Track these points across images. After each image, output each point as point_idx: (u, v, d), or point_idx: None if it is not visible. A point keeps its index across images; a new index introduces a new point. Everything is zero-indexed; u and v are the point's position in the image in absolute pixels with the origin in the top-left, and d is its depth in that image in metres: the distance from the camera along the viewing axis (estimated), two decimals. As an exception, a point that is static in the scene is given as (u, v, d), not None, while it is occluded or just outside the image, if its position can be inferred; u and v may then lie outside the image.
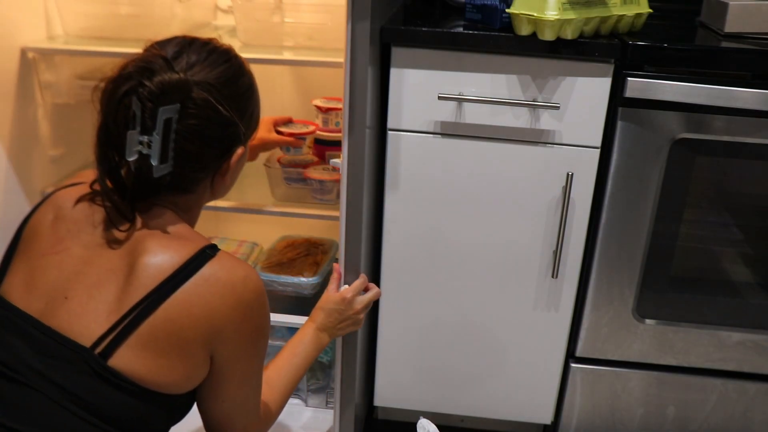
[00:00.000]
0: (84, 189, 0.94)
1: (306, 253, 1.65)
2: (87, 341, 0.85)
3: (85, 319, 0.86)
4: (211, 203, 1.51)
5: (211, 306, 0.88)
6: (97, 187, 0.92)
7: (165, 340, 0.86)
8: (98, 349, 0.85)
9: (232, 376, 0.96)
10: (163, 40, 0.93)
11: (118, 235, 0.90)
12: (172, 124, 0.86)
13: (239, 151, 0.97)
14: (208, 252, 0.91)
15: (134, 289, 0.86)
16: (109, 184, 0.90)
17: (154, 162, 0.86)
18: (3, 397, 0.85)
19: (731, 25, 1.34)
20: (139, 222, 0.91)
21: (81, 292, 0.88)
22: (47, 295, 0.88)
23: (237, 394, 0.98)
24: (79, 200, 0.94)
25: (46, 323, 0.87)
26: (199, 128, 0.89)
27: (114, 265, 0.88)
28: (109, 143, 0.88)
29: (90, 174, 0.96)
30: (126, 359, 0.85)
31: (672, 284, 1.42)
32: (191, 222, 1.00)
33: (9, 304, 0.90)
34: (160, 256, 0.88)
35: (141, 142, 0.85)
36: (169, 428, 0.96)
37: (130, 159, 0.85)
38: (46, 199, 0.97)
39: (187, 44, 0.92)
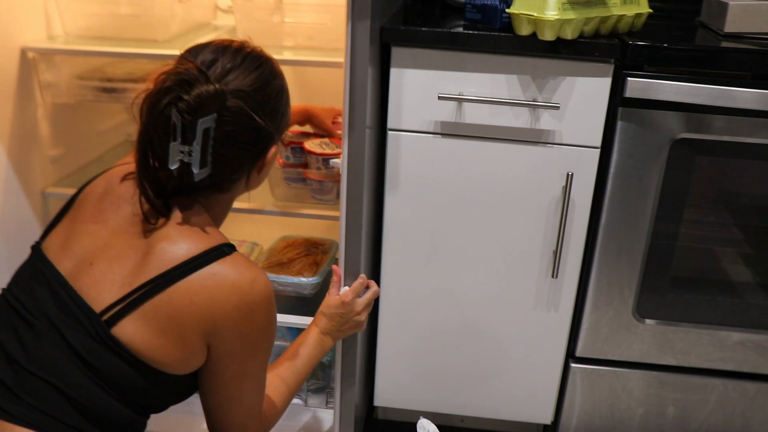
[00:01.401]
0: (133, 168, 0.99)
1: (306, 253, 1.65)
2: (98, 307, 0.91)
3: (102, 287, 0.93)
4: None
5: (214, 300, 0.92)
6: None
7: (165, 320, 0.91)
8: (106, 317, 0.91)
9: (227, 369, 0.99)
10: (198, 45, 0.98)
11: (150, 226, 0.96)
12: (210, 132, 0.91)
13: (273, 150, 1.02)
14: (225, 249, 0.95)
15: (147, 269, 0.92)
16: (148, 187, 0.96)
17: (195, 170, 0.91)
18: (23, 341, 0.92)
19: (731, 25, 1.34)
20: (174, 211, 0.96)
21: (104, 262, 0.94)
22: (77, 258, 0.95)
23: (233, 389, 1.01)
24: (126, 176, 1.01)
25: (71, 283, 0.93)
26: (235, 134, 0.94)
27: (136, 243, 0.95)
28: (150, 151, 0.93)
29: None
30: (127, 330, 0.91)
31: (672, 284, 1.42)
32: (220, 217, 1.06)
33: (46, 258, 0.97)
34: (177, 245, 0.93)
35: (182, 152, 0.90)
36: (166, 406, 1.02)
37: (173, 167, 0.91)
38: (104, 172, 1.05)
39: (220, 51, 0.96)
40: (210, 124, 0.90)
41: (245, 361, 1.00)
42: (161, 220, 0.95)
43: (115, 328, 0.91)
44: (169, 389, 0.98)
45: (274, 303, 1.00)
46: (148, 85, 0.92)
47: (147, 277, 0.92)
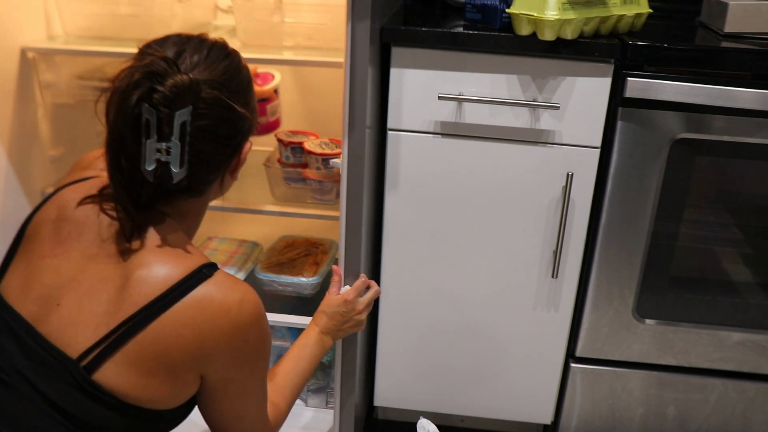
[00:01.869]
0: (89, 187, 0.92)
1: (306, 253, 1.65)
2: (74, 353, 0.84)
3: (74, 330, 0.84)
4: (212, 203, 1.51)
5: (202, 329, 0.86)
6: (108, 191, 0.90)
7: (152, 360, 0.84)
8: (84, 362, 0.83)
9: (228, 393, 0.94)
10: (157, 40, 0.90)
11: (125, 247, 0.87)
12: (186, 127, 0.84)
13: (247, 146, 0.96)
14: (205, 271, 0.88)
15: (125, 304, 0.84)
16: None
17: (174, 168, 0.84)
18: None
19: (731, 25, 1.34)
20: (148, 230, 0.88)
21: (73, 300, 0.86)
22: (41, 300, 0.87)
23: (237, 407, 0.96)
24: (83, 201, 0.91)
25: (37, 329, 0.85)
26: (212, 127, 0.87)
27: (107, 274, 0.86)
28: (123, 154, 0.85)
29: (92, 166, 0.96)
30: (110, 375, 0.83)
31: (672, 284, 1.42)
32: (193, 228, 0.98)
33: (5, 303, 0.88)
34: (155, 271, 0.85)
35: (159, 150, 0.83)
36: None
37: (150, 168, 0.83)
38: (51, 196, 0.95)
39: (184, 42, 0.89)
40: (186, 117, 0.83)
41: (244, 381, 0.95)
42: (136, 242, 0.87)
43: (96, 374, 0.83)
44: (159, 423, 0.91)
45: (266, 319, 0.94)
46: (112, 84, 0.84)
47: (126, 313, 0.84)
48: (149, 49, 0.88)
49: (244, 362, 0.93)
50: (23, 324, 0.86)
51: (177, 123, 0.82)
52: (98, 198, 0.90)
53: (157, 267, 0.86)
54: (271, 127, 1.52)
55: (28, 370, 0.83)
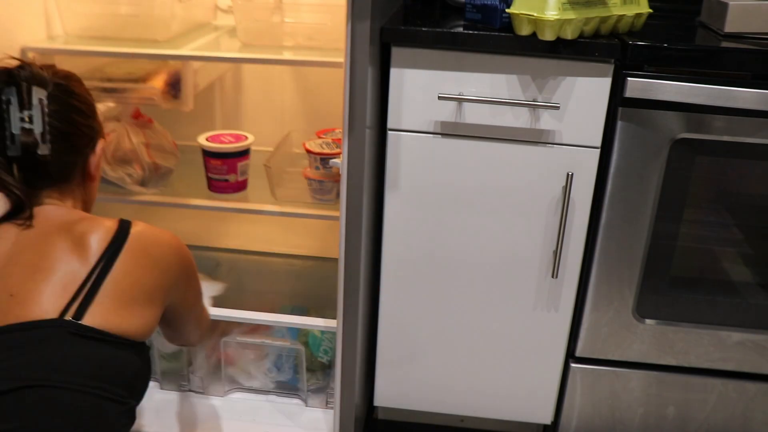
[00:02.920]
0: None
1: None
2: (53, 315, 0.92)
3: (40, 303, 0.92)
4: (212, 203, 1.52)
5: (154, 257, 1.03)
6: None
7: (129, 290, 0.98)
8: (68, 316, 0.92)
9: (190, 305, 1.18)
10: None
11: (26, 225, 1.00)
12: (44, 104, 0.99)
13: (101, 143, 1.11)
14: (126, 221, 1.04)
15: (83, 258, 0.97)
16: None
17: (37, 129, 0.98)
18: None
19: (731, 25, 1.34)
20: (44, 212, 1.02)
21: (23, 284, 0.94)
22: None
23: (196, 313, 1.23)
24: None
25: (2, 325, 0.90)
26: (66, 112, 1.03)
27: (44, 250, 0.97)
28: None
29: None
30: (98, 315, 0.94)
31: (672, 284, 1.42)
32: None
33: None
34: (94, 229, 1.00)
35: (23, 119, 0.97)
36: (146, 381, 1.06)
37: (16, 132, 0.97)
38: None
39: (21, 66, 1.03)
40: (42, 96, 0.99)
41: (196, 291, 1.19)
42: (32, 218, 1.00)
43: (84, 319, 0.92)
44: (143, 359, 1.03)
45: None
46: None
47: (89, 264, 0.96)
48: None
49: (193, 277, 1.15)
50: None
51: (35, 96, 0.98)
52: None
53: (91, 226, 1.01)
54: (240, 186, 1.51)
55: (16, 360, 0.88)
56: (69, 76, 1.07)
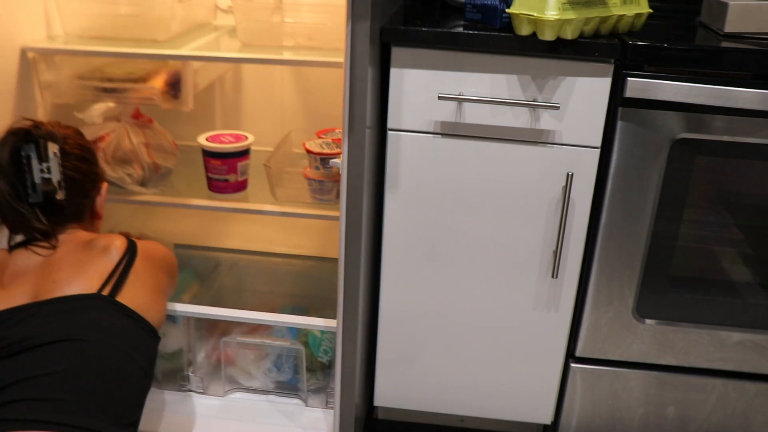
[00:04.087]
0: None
1: None
2: (91, 290, 1.12)
3: (79, 285, 1.13)
4: (212, 203, 1.52)
5: (157, 261, 1.27)
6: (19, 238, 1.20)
7: (149, 282, 1.21)
8: (105, 291, 1.13)
9: (165, 298, 1.31)
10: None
11: (52, 246, 1.18)
12: (58, 156, 1.17)
13: (105, 184, 1.30)
14: (129, 237, 1.26)
15: (110, 258, 1.18)
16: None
17: (55, 178, 1.16)
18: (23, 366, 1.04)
19: (731, 25, 1.34)
20: (65, 237, 1.21)
21: (63, 274, 1.14)
22: (30, 292, 1.12)
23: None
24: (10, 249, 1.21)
25: (44, 298, 1.10)
26: (77, 163, 1.21)
27: (75, 257, 1.18)
28: (19, 183, 1.15)
29: None
30: (128, 297, 1.15)
31: (672, 284, 1.42)
32: None
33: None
34: (111, 240, 1.21)
35: (42, 170, 1.15)
36: (152, 375, 1.20)
37: (37, 182, 1.15)
38: None
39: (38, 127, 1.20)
40: (56, 150, 1.17)
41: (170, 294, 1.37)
42: (55, 242, 1.18)
43: (118, 296, 1.13)
44: (156, 346, 1.21)
45: None
46: None
47: (116, 258, 1.18)
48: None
49: (176, 279, 1.37)
50: (25, 308, 1.09)
51: (50, 150, 1.16)
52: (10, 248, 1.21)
53: (108, 238, 1.21)
54: (240, 186, 1.52)
55: (52, 324, 1.07)
56: (73, 131, 1.25)
